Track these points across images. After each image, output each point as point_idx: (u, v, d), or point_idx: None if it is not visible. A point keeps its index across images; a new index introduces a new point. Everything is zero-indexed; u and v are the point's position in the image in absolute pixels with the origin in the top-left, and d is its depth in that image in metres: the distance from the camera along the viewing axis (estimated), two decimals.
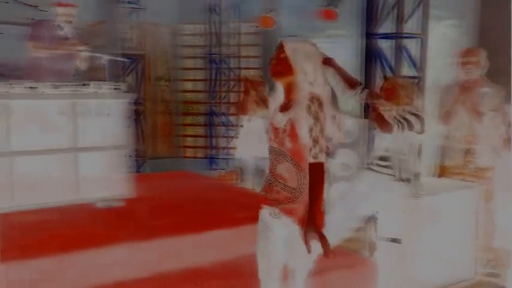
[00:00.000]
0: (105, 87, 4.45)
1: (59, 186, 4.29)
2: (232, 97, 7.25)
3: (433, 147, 4.79)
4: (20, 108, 4.12)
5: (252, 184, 5.82)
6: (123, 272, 3.30)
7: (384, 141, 3.64)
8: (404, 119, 3.41)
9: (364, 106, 4.25)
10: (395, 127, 3.39)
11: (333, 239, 3.65)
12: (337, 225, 3.81)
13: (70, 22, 4.74)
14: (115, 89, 4.51)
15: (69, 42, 4.71)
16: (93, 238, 3.55)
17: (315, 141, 2.07)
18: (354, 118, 4.71)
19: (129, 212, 4.23)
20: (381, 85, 3.72)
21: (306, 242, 2.05)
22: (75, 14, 4.80)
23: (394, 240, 3.63)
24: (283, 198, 2.16)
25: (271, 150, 2.19)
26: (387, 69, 4.25)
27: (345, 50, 4.54)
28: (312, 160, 2.07)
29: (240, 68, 7.18)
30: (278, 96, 2.23)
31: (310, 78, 2.09)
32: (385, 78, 3.98)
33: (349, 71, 4.38)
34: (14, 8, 5.95)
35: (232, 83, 7.31)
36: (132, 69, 6.94)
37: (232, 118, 7.30)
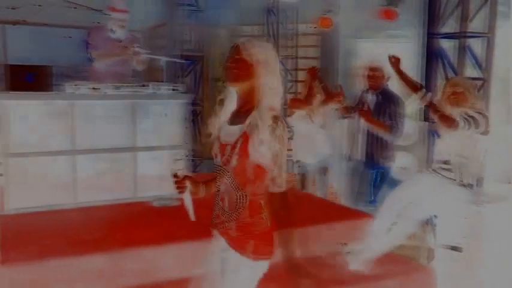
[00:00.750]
0: (164, 89, 4.57)
1: (117, 184, 4.44)
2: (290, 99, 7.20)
3: (505, 151, 4.55)
4: (83, 108, 4.31)
5: (310, 187, 5.76)
6: (177, 270, 3.36)
7: (445, 144, 3.50)
8: (470, 116, 3.27)
9: (424, 108, 4.11)
10: (461, 123, 3.25)
11: (386, 244, 3.58)
12: (389, 230, 3.71)
13: (123, 27, 4.91)
14: (173, 90, 4.61)
15: (124, 45, 4.88)
16: (145, 236, 3.60)
17: (280, 168, 1.83)
18: (413, 121, 4.56)
19: (184, 211, 4.29)
20: (443, 87, 3.57)
21: None
22: (127, 19, 4.96)
23: (454, 248, 3.49)
24: (219, 222, 1.96)
25: (216, 168, 1.94)
26: (449, 70, 4.07)
27: (405, 50, 4.38)
28: (276, 190, 1.85)
29: (297, 70, 7.15)
30: (229, 106, 1.96)
31: (271, 85, 1.86)
32: (447, 79, 3.82)
33: (409, 72, 4.25)
34: (81, 13, 6.19)
35: (289, 84, 7.27)
36: (191, 71, 7.07)
37: (290, 119, 7.25)
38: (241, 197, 1.89)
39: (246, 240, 1.91)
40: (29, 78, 4.17)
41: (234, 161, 1.84)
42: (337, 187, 5.63)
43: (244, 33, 8.24)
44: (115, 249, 3.34)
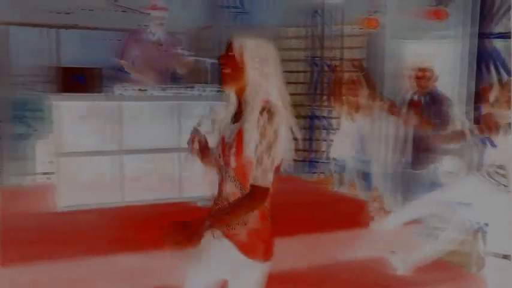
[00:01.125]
0: (209, 90, 4.61)
1: (162, 184, 4.52)
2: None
3: None
4: (130, 109, 4.42)
5: (350, 188, 5.70)
6: None
7: (495, 148, 3.38)
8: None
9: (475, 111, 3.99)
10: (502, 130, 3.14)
11: (433, 249, 3.49)
12: (435, 236, 3.61)
13: (162, 25, 5.00)
14: (218, 91, 4.65)
15: (164, 49, 4.98)
16: None
17: (258, 161, 1.73)
18: (462, 124, 4.41)
19: None
20: (496, 89, 3.44)
21: None
22: (166, 17, 5.04)
23: (506, 257, 3.35)
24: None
25: (219, 169, 1.87)
26: (502, 72, 3.92)
27: (453, 50, 4.26)
28: (251, 182, 1.76)
29: (342, 71, 7.06)
30: (231, 104, 1.89)
31: (264, 84, 1.78)
32: (500, 82, 3.68)
33: (458, 74, 4.15)
34: (130, 16, 6.31)
35: (334, 86, 7.19)
36: None
37: (333, 122, 7.20)
38: None
39: (257, 245, 1.87)
40: (80, 80, 4.31)
41: (233, 161, 1.78)
42: (381, 190, 5.55)
43: (289, 34, 8.23)
44: (157, 249, 3.40)
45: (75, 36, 6.89)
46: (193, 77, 6.33)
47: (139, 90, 4.40)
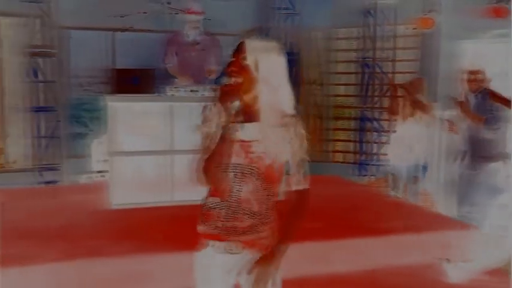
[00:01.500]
0: None
1: None
2: (386, 102, 6.99)
3: None
4: (182, 110, 4.48)
5: (402, 192, 5.57)
6: None
7: None
8: None
9: None
10: None
11: (492, 258, 3.35)
12: (495, 244, 3.48)
13: (196, 28, 5.09)
14: None
15: (201, 48, 5.06)
16: None
17: (299, 166, 1.77)
18: None
19: None
20: None
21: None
22: (201, 21, 5.15)
23: None
24: (247, 227, 1.78)
25: (235, 168, 1.79)
26: None
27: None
28: (296, 187, 1.79)
29: (394, 73, 6.90)
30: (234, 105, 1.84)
31: (277, 93, 1.75)
32: None
33: None
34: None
35: (386, 87, 7.05)
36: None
37: (384, 124, 7.05)
38: (269, 197, 1.81)
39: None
40: (134, 81, 4.42)
41: (261, 160, 1.76)
42: (434, 194, 5.42)
43: (340, 35, 8.13)
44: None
45: (130, 39, 7.08)
46: None
47: (191, 91, 4.46)
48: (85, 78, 7.01)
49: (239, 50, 1.77)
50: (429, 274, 3.61)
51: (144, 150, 4.46)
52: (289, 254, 3.38)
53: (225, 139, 1.78)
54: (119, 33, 7.14)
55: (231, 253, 1.81)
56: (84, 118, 6.89)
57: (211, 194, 1.85)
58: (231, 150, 1.79)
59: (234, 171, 1.79)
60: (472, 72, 4.39)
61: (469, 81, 4.42)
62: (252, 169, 1.77)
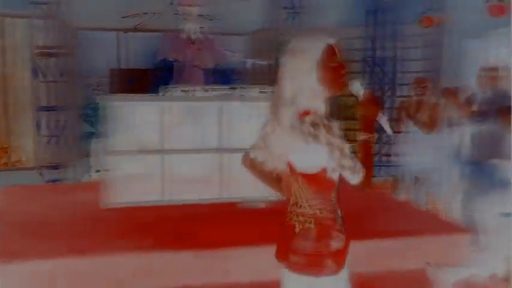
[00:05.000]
0: (252, 91, 4.57)
1: (204, 184, 4.54)
2: (392, 102, 6.87)
3: None
4: (173, 109, 4.49)
5: (408, 194, 5.50)
6: (250, 273, 3.37)
7: None
8: None
9: None
10: None
11: (481, 266, 3.25)
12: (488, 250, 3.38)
13: (188, 20, 5.09)
14: (261, 92, 4.60)
15: (197, 47, 5.05)
16: (216, 236, 3.66)
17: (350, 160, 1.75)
18: None
19: (268, 214, 4.26)
20: None
21: None
22: (195, 13, 5.13)
23: None
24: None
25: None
26: None
27: None
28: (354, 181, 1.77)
29: (402, 72, 6.77)
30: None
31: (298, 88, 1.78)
32: None
33: None
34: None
35: (391, 87, 6.92)
36: None
37: (393, 124, 6.93)
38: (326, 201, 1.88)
39: None
40: (128, 82, 4.45)
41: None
42: (440, 195, 5.32)
43: (346, 34, 8.01)
44: (197, 247, 3.44)
45: (139, 39, 7.14)
46: (254, 78, 6.37)
47: (182, 91, 4.46)
48: (93, 78, 7.09)
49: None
50: (421, 279, 3.53)
51: (141, 149, 4.47)
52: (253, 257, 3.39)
53: None
54: (129, 33, 7.22)
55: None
56: (90, 117, 6.98)
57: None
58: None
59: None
60: (484, 70, 4.35)
61: (488, 78, 4.37)
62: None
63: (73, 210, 4.43)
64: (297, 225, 1.85)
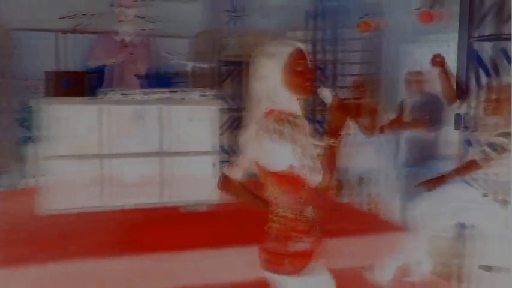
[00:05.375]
0: (193, 94, 4.54)
1: (145, 188, 4.49)
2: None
3: None
4: (114, 113, 4.39)
5: (351, 195, 5.62)
6: (189, 278, 3.35)
7: None
8: (492, 144, 3.02)
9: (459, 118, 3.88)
10: (481, 162, 3.05)
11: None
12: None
13: (129, 24, 5.04)
14: (202, 95, 4.59)
15: (130, 51, 5.01)
16: (159, 241, 3.63)
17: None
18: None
19: (207, 218, 4.27)
20: (483, 94, 3.33)
21: None
22: (130, 14, 5.09)
23: (488, 269, 3.23)
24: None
25: None
26: (492, 75, 3.79)
27: (446, 54, 4.14)
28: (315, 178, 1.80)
29: (342, 75, 6.91)
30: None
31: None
32: (486, 86, 3.56)
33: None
34: None
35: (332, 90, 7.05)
36: (229, 76, 7.04)
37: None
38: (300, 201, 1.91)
39: None
40: (65, 84, 4.32)
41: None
42: (380, 196, 5.46)
43: (288, 39, 8.10)
44: (136, 253, 3.38)
45: (79, 40, 6.95)
46: (195, 81, 6.31)
47: (122, 94, 4.38)
48: (30, 81, 6.83)
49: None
50: (359, 278, 3.62)
51: (77, 154, 4.35)
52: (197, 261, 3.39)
53: None
54: (68, 35, 7.01)
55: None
56: (26, 122, 6.71)
57: None
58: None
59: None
60: (411, 74, 4.45)
61: (409, 82, 4.47)
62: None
63: (7, 218, 4.26)
64: (268, 224, 1.92)
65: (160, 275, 3.33)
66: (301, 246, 1.85)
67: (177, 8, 7.38)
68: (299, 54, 1.83)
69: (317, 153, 1.78)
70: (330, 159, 1.79)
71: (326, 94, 1.82)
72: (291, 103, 1.83)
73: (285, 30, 7.32)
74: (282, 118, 1.75)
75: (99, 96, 4.37)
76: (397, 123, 4.60)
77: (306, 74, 1.82)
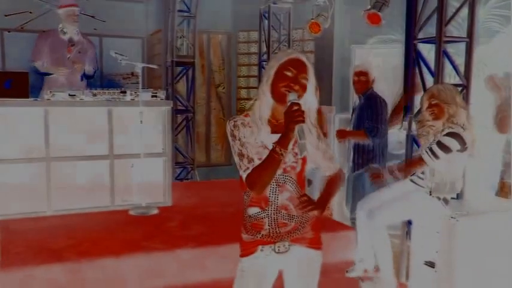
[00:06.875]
0: (143, 95, 4.45)
1: (94, 192, 4.39)
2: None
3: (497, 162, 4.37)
4: (60, 115, 4.28)
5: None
6: (137, 282, 3.30)
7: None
8: (439, 143, 3.11)
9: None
10: (427, 159, 3.14)
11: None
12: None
13: (73, 24, 5.00)
14: (152, 96, 4.53)
15: (77, 50, 4.94)
16: (109, 245, 3.57)
17: (330, 158, 1.99)
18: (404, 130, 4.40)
19: (158, 221, 4.21)
20: (424, 97, 3.40)
21: None
22: (75, 13, 5.03)
23: (429, 264, 3.32)
24: (289, 230, 1.92)
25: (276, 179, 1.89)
26: (429, 77, 3.92)
27: (394, 56, 4.26)
28: (335, 165, 2.01)
29: None
30: (264, 115, 1.89)
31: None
32: (426, 89, 3.66)
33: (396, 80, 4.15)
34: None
35: None
36: (182, 76, 7.00)
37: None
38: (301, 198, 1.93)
39: (318, 235, 2.01)
40: (6, 85, 4.16)
41: (299, 167, 1.90)
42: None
43: (240, 39, 8.14)
44: (83, 258, 3.29)
45: (26, 39, 6.74)
46: (148, 82, 6.22)
47: (70, 95, 4.27)
48: None
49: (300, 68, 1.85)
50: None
51: (19, 157, 4.20)
52: (160, 263, 3.35)
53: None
54: (12, 33, 6.79)
55: (280, 252, 1.94)
56: None
57: (251, 204, 1.94)
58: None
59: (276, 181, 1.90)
60: (356, 74, 4.52)
61: (355, 82, 4.55)
62: (286, 178, 1.90)
63: None
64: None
65: (108, 281, 3.26)
66: (244, 236, 1.97)
67: (129, 8, 7.29)
68: (294, 62, 1.84)
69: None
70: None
71: (294, 98, 1.83)
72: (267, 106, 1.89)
73: (238, 31, 7.38)
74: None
75: (46, 98, 4.24)
76: (341, 134, 4.69)
77: (288, 81, 1.83)
